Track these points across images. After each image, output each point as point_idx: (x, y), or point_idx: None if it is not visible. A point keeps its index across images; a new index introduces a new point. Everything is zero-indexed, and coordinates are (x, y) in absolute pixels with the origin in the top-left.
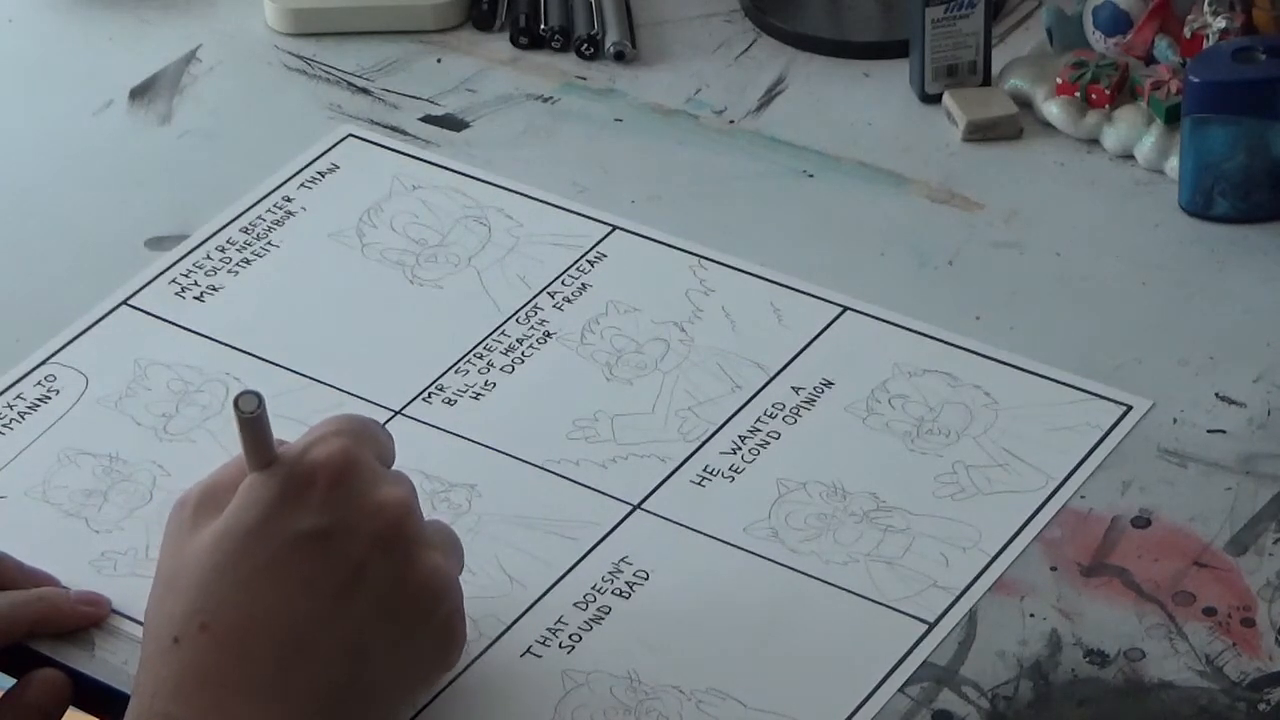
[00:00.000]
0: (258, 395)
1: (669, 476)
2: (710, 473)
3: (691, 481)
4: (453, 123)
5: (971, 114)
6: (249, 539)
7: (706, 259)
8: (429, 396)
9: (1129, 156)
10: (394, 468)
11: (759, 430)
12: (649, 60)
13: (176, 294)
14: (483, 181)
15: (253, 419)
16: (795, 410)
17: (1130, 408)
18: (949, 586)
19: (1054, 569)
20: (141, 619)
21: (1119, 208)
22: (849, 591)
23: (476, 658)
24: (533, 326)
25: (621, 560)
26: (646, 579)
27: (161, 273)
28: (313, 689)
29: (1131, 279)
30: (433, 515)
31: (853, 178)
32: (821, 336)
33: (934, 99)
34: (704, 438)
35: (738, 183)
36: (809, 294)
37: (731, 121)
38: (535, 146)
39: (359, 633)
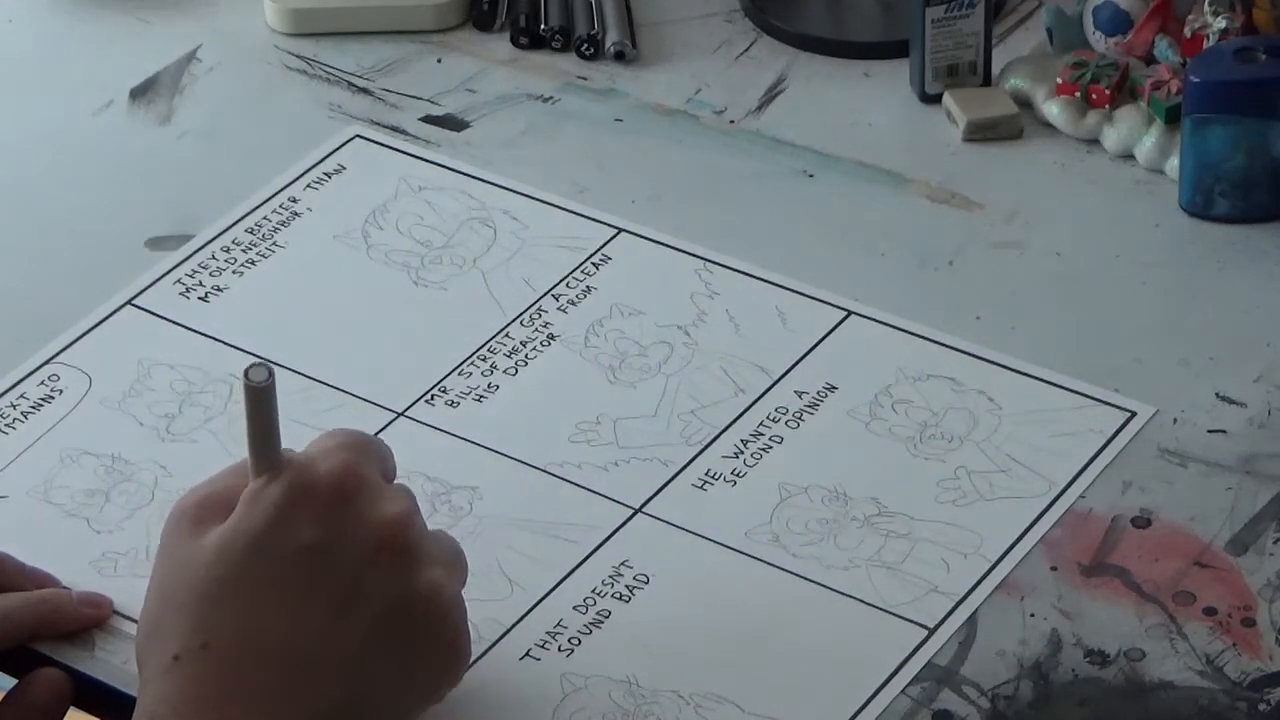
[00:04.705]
0: (268, 367)
1: (671, 480)
2: (712, 476)
3: (693, 485)
4: (453, 123)
5: (971, 114)
6: (252, 552)
7: (712, 262)
8: (432, 398)
9: (1129, 156)
10: (397, 478)
11: (761, 434)
12: (649, 60)
13: (181, 294)
14: (488, 183)
15: (262, 390)
16: (798, 414)
17: (1134, 414)
18: (950, 592)
19: (1054, 569)
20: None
21: (1119, 208)
22: (849, 596)
23: (475, 661)
24: (536, 329)
25: (622, 564)
26: (647, 583)
27: (166, 273)
28: (314, 705)
29: (1131, 279)
30: (433, 516)
31: (853, 178)
32: (825, 340)
33: (934, 99)
34: (706, 441)
35: (738, 183)
36: (814, 298)
37: (731, 121)
38: (535, 146)
39: (359, 647)
